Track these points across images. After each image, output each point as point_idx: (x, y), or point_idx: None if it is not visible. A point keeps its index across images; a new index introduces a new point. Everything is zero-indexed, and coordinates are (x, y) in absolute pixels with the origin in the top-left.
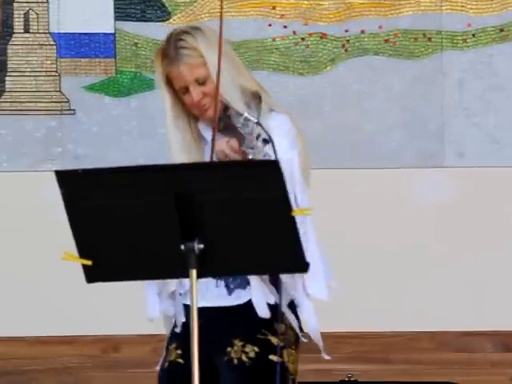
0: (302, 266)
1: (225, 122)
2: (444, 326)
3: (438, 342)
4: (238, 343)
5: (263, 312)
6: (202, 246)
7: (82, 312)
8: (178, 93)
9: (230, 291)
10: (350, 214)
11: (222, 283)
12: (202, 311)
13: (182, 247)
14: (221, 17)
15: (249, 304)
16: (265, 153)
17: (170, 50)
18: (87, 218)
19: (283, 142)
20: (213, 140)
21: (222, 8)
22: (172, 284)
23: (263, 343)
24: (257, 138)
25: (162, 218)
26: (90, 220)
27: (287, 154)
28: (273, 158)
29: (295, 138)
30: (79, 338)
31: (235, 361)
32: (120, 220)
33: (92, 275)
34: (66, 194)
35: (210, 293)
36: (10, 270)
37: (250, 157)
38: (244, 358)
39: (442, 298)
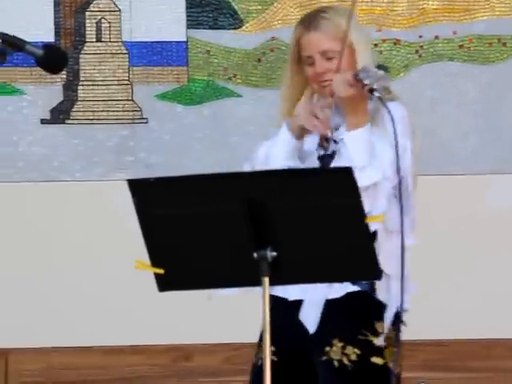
0: (375, 274)
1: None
2: None
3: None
4: (337, 343)
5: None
6: (274, 253)
7: (153, 321)
8: (303, 63)
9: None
10: (424, 221)
11: None
12: (298, 304)
13: (255, 255)
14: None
15: (347, 298)
16: (382, 79)
17: (311, 18)
18: (159, 226)
19: (398, 126)
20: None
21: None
22: None
23: (364, 345)
24: (376, 67)
25: (234, 225)
26: (162, 228)
27: (402, 138)
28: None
29: (409, 128)
30: (150, 348)
31: (335, 363)
32: (192, 228)
33: (164, 284)
34: (138, 202)
35: (308, 285)
36: (82, 280)
37: (366, 82)
38: (345, 360)
39: None
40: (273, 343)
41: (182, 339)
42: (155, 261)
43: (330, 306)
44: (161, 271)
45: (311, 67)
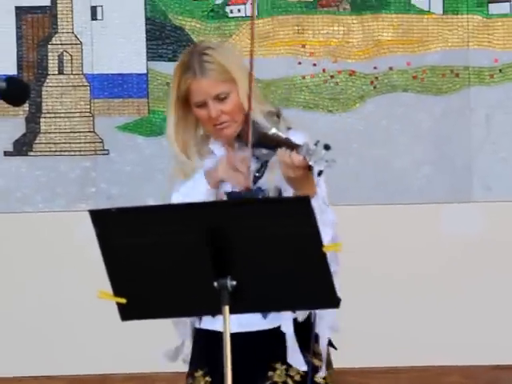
0: (333, 302)
1: (257, 137)
2: (473, 359)
3: (467, 376)
4: (280, 367)
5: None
6: (234, 282)
7: (116, 350)
8: (193, 107)
9: (264, 315)
10: (379, 250)
11: None
12: (237, 337)
13: (215, 284)
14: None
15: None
16: (326, 158)
17: (194, 63)
18: (121, 256)
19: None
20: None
21: (252, 41)
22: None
23: (308, 365)
24: (315, 144)
25: (194, 255)
26: (124, 258)
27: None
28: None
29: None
30: (113, 376)
31: None
32: (153, 258)
33: (126, 313)
34: (100, 232)
35: (244, 318)
36: (45, 309)
37: (311, 163)
38: (290, 381)
39: (471, 331)
40: (208, 373)
41: (145, 367)
42: (117, 290)
43: (270, 334)
44: (123, 301)
45: (202, 109)
